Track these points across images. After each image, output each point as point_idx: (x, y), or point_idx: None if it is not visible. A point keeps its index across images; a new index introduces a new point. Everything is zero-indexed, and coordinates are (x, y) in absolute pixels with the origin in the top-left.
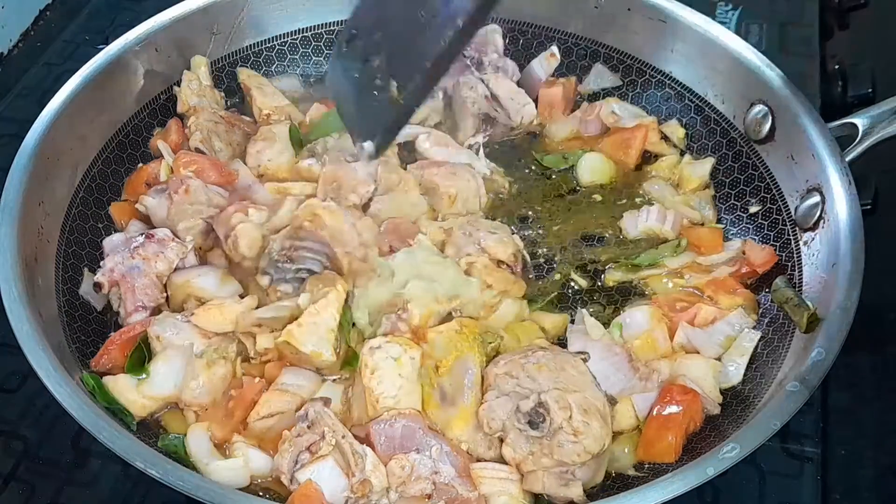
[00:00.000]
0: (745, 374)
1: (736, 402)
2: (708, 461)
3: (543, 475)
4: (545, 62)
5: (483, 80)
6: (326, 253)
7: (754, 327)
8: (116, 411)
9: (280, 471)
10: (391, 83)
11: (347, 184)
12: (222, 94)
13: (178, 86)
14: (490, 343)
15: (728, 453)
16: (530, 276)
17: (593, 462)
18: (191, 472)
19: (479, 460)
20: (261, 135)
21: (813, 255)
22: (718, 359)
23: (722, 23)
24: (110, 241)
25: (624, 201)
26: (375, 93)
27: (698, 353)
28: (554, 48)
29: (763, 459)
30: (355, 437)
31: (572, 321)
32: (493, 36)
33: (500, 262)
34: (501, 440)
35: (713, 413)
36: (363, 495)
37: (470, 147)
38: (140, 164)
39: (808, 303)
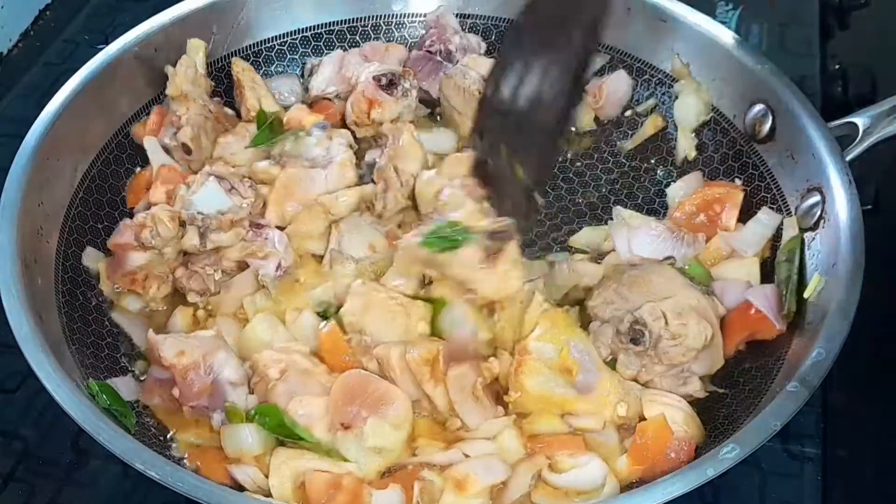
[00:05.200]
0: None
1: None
2: (708, 461)
3: (662, 379)
4: None
5: (463, 66)
6: None
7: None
8: (117, 414)
9: None
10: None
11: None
12: (213, 83)
13: (173, 66)
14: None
15: (728, 454)
16: None
17: (705, 353)
18: (190, 474)
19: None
20: (237, 130)
21: (813, 255)
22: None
23: (722, 22)
24: None
25: None
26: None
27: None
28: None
29: (763, 459)
30: None
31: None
32: (447, 19)
33: None
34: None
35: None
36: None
37: None
38: (138, 168)
39: (805, 290)
